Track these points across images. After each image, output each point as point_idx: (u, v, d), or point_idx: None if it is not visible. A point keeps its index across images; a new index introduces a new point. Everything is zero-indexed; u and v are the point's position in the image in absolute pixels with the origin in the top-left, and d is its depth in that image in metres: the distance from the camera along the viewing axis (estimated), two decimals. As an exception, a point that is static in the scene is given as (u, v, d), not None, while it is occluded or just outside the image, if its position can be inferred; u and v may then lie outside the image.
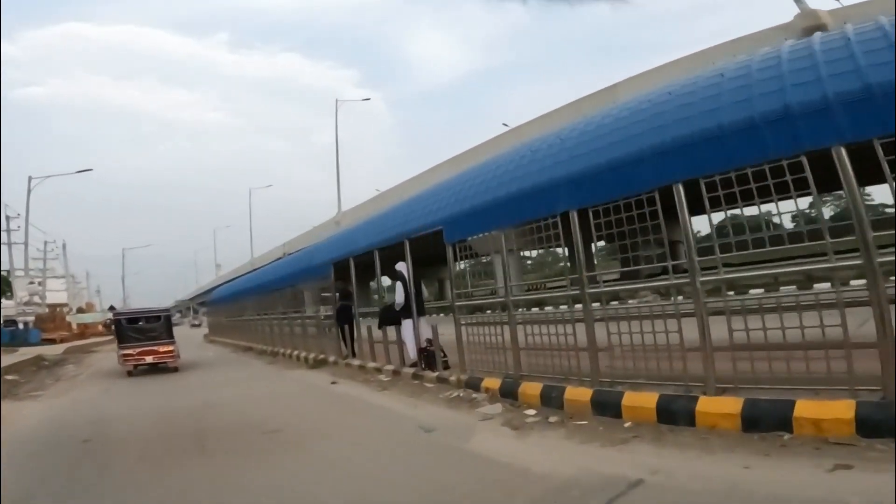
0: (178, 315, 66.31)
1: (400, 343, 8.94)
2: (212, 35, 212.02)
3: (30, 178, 29.28)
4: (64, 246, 47.81)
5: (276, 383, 10.25)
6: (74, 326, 41.77)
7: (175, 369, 13.40)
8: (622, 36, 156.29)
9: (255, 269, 34.69)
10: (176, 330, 15.16)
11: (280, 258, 34.26)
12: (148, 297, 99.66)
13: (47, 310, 43.00)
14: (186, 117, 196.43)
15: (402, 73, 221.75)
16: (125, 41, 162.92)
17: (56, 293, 57.83)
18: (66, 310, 46.26)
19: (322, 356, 12.20)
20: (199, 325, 53.84)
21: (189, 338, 32.46)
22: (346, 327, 11.29)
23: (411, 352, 8.50)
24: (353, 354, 11.07)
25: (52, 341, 29.90)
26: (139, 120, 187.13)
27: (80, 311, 51.05)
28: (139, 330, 13.57)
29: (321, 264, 12.31)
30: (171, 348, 13.39)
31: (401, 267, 8.58)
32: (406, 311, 8.45)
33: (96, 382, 12.29)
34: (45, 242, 48.59)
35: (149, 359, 13.02)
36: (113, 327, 17.49)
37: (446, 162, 29.83)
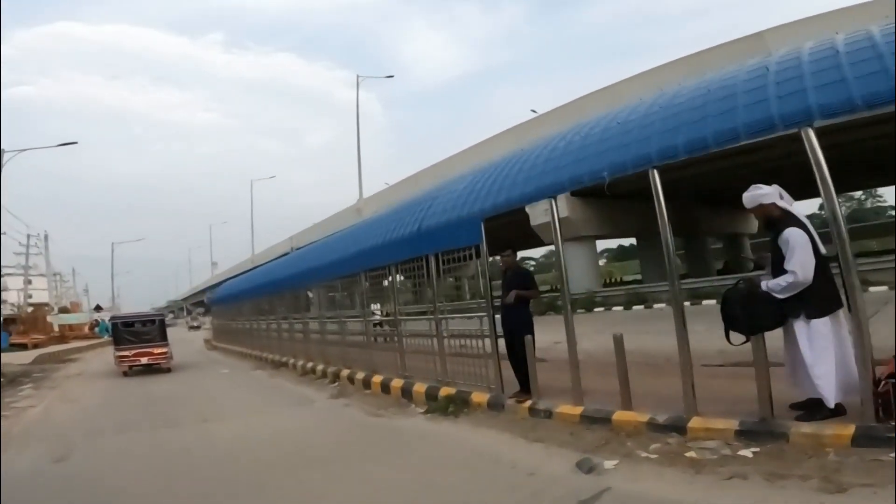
0: (170, 316, 61.61)
1: (794, 365, 4.15)
2: (206, 35, 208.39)
3: (1, 152, 24.71)
4: (46, 237, 42.73)
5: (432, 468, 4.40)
6: (56, 328, 37.04)
7: (168, 370, 14.05)
8: (618, 37, 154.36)
9: (270, 261, 29.97)
10: (172, 332, 15.41)
11: (287, 253, 30.87)
12: (139, 297, 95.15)
13: (31, 309, 38.63)
14: (178, 118, 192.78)
15: (397, 73, 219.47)
16: (117, 41, 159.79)
17: (39, 291, 53.20)
18: (46, 309, 41.43)
19: (451, 390, 6.67)
20: (197, 328, 48.78)
21: (186, 342, 27.89)
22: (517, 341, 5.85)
23: (827, 391, 3.91)
24: (527, 390, 5.86)
25: (22, 346, 25.23)
26: (130, 120, 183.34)
27: (63, 311, 46.02)
28: (135, 333, 14.10)
29: (458, 222, 6.62)
30: (164, 350, 14.04)
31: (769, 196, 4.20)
32: (812, 301, 3.93)
33: (50, 424, 7.77)
34: (28, 236, 43.47)
35: (143, 360, 13.69)
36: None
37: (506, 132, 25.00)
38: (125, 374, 13.61)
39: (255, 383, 10.97)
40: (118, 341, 14.07)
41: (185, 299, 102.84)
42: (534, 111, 22.81)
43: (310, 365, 11.39)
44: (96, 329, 36.53)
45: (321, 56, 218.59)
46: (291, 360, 12.62)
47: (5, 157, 26.15)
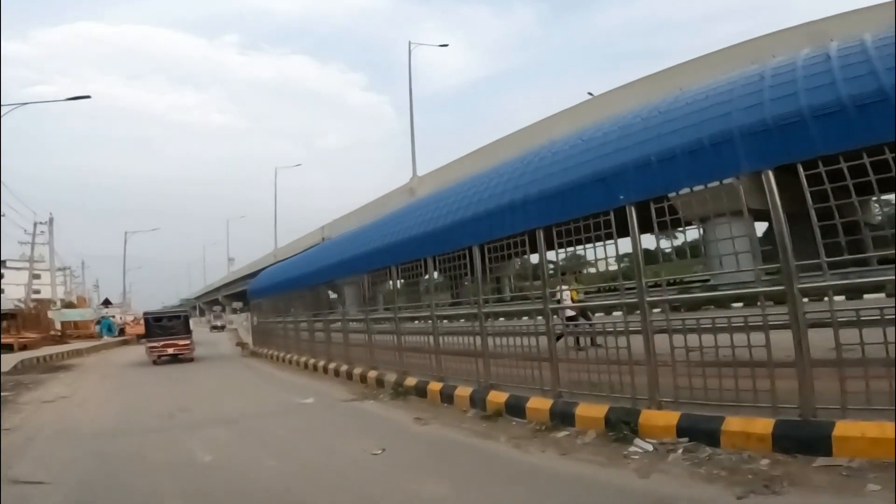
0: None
1: None
2: (222, 36, 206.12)
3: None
4: (51, 221, 37.39)
5: None
6: (58, 325, 31.90)
7: (191, 360, 15.57)
8: (630, 43, 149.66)
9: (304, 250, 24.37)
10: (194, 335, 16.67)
11: (317, 244, 26.72)
12: (150, 294, 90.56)
13: (34, 304, 33.56)
14: (194, 118, 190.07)
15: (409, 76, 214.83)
16: (136, 41, 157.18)
17: (47, 286, 48.17)
18: (47, 304, 36.36)
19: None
20: (221, 328, 41.82)
21: (211, 345, 22.52)
22: None
23: None
24: None
25: (9, 348, 19.94)
26: (146, 121, 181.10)
27: (69, 306, 40.83)
28: (163, 327, 16.18)
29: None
30: (188, 342, 15.84)
31: None
32: None
33: None
34: (35, 224, 38.07)
35: (170, 350, 15.37)
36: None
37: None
38: (154, 363, 15.03)
39: (404, 437, 5.39)
40: (149, 334, 16.00)
41: (198, 298, 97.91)
42: (590, 94, 21.14)
43: (479, 391, 5.84)
44: (97, 327, 30.69)
45: (335, 59, 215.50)
46: (430, 382, 7.05)
47: (4, 109, 20.97)
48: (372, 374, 8.75)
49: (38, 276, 41.80)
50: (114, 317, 36.36)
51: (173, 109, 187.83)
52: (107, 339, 26.29)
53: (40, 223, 37.94)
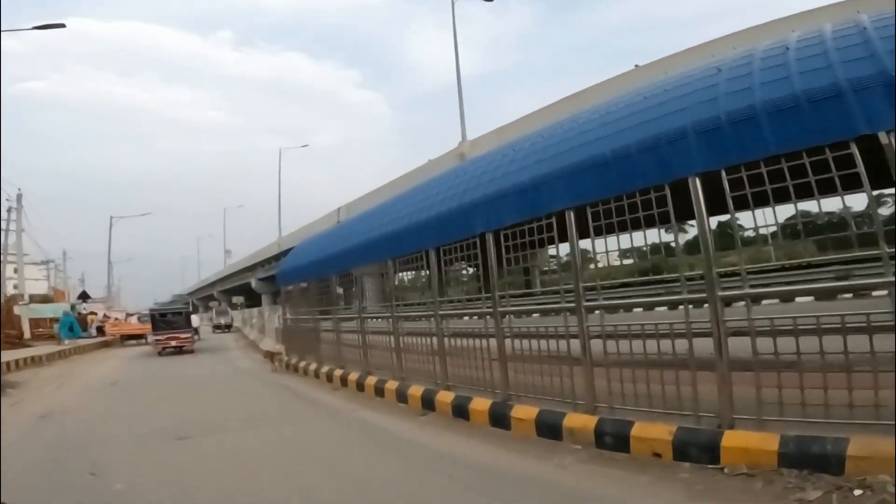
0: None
1: None
2: (216, 33, 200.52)
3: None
4: (19, 198, 31.05)
5: None
6: (26, 323, 25.99)
7: (191, 351, 17.31)
8: (627, 41, 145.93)
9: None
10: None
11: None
12: (140, 291, 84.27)
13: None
14: (187, 115, 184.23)
15: (404, 74, 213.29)
16: (128, 37, 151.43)
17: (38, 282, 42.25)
18: (17, 299, 30.50)
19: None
20: (227, 328, 32.61)
21: (219, 354, 17.21)
22: None
23: None
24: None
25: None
26: (139, 117, 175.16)
27: (44, 300, 34.76)
28: (167, 322, 17.96)
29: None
30: (189, 335, 17.79)
31: None
32: None
33: None
34: (10, 210, 31.59)
35: (174, 343, 17.11)
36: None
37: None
38: (160, 353, 16.82)
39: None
40: (155, 328, 17.89)
41: (191, 293, 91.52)
42: (637, 65, 19.21)
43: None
44: (56, 327, 22.75)
45: (329, 56, 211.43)
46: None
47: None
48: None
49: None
50: (93, 313, 30.41)
51: (168, 106, 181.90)
52: (69, 344, 19.71)
53: (13, 206, 31.86)
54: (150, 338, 18.81)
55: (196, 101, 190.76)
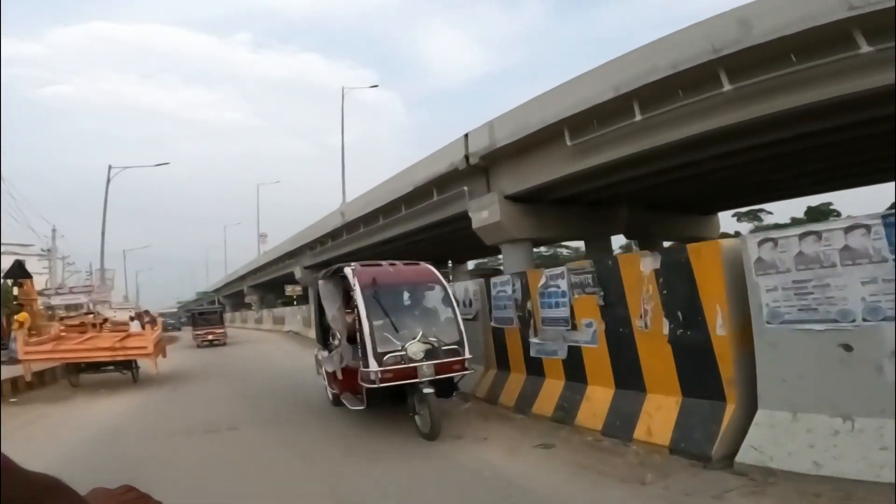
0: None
1: None
2: (233, 35, 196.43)
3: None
4: None
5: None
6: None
7: (224, 344, 20.68)
8: (639, 37, 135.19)
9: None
10: (201, 352, 18.71)
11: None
12: (153, 296, 79.88)
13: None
14: (206, 116, 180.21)
15: (418, 72, 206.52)
16: (149, 40, 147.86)
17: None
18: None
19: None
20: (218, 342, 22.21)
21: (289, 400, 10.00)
22: None
23: None
24: None
25: None
26: (159, 118, 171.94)
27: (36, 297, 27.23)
28: (205, 319, 22.11)
29: None
30: (222, 330, 21.78)
31: None
32: None
33: None
34: None
35: (210, 337, 20.79)
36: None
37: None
38: (198, 346, 20.20)
39: None
40: (195, 324, 22.06)
41: (217, 290, 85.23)
42: None
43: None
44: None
45: (344, 56, 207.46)
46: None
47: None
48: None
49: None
50: (52, 308, 23.12)
51: (186, 107, 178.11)
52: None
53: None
54: (190, 332, 22.84)
55: (215, 102, 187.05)
